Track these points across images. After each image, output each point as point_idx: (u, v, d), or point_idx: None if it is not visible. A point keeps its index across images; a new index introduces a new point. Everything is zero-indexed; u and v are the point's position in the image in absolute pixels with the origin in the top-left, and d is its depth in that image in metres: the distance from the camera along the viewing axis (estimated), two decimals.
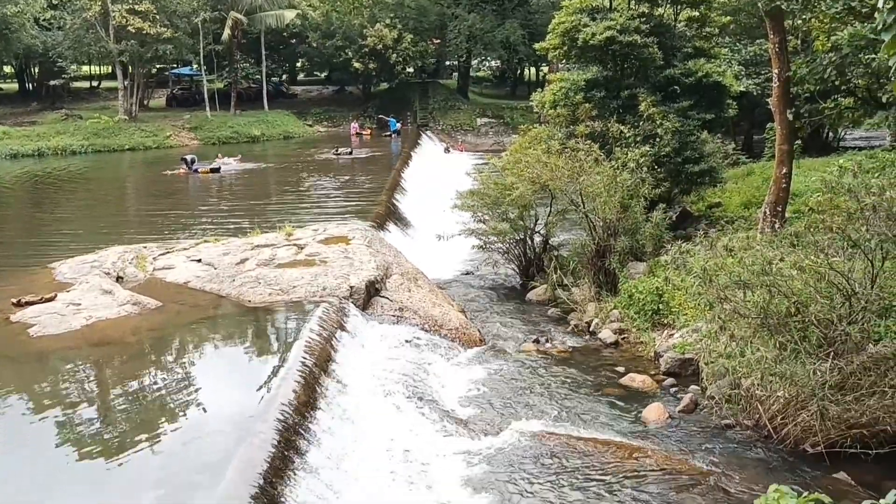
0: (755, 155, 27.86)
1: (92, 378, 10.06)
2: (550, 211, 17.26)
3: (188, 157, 31.71)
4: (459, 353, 12.75)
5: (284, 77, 61.77)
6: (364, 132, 46.19)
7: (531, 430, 9.86)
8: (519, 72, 64.25)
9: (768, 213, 14.78)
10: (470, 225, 17.91)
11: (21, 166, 36.14)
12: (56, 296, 12.26)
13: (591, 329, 14.03)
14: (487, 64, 64.41)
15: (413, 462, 8.88)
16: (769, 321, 9.48)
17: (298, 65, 64.96)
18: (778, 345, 9.38)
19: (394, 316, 12.97)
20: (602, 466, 9.08)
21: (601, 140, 17.45)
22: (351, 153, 35.34)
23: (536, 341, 13.50)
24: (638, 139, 17.28)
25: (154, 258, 14.90)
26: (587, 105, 18.04)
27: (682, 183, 18.06)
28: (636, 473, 8.92)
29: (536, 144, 17.31)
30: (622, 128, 17.39)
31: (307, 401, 8.75)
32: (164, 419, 8.51)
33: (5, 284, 13.56)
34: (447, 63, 63.08)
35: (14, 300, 12.00)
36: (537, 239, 17.58)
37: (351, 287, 12.76)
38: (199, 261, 14.46)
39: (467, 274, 18.52)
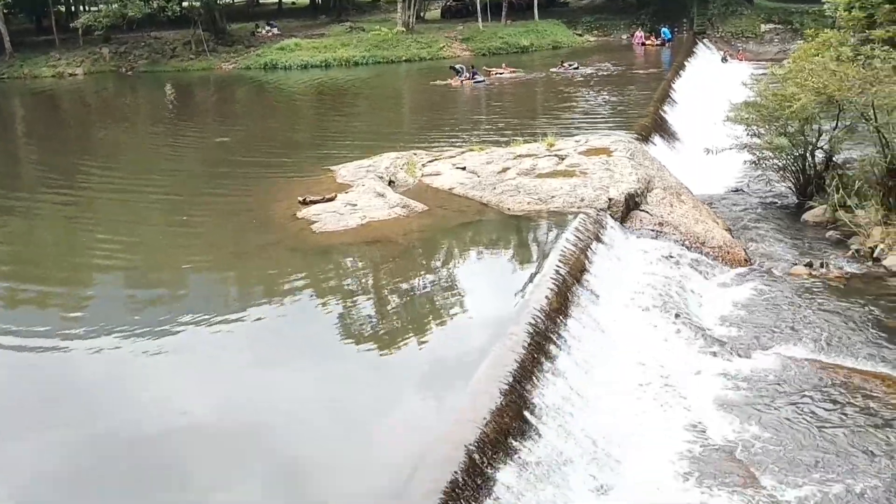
0: None
1: (366, 273, 10.94)
2: (836, 125, 15.75)
3: (457, 66, 32.49)
4: (721, 272, 12.23)
5: None
6: (648, 42, 43.70)
7: (795, 357, 9.35)
8: None
9: None
10: (743, 139, 16.84)
11: (310, 76, 39.10)
12: (336, 196, 13.29)
13: (874, 255, 12.78)
14: None
15: (664, 377, 8.76)
16: None
17: None
18: None
19: (653, 230, 12.66)
20: (872, 401, 8.42)
21: None
22: (577, 68, 33.85)
23: (809, 265, 12.56)
24: None
25: (423, 164, 15.61)
26: (888, 6, 16.04)
27: None
28: None
29: (824, 51, 15.74)
30: None
31: (559, 308, 8.88)
32: (428, 316, 9.14)
33: (293, 184, 14.90)
34: None
35: (300, 198, 13.18)
36: (819, 155, 16.15)
37: (609, 199, 12.59)
38: (464, 168, 14.94)
39: (736, 191, 17.52)
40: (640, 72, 33.36)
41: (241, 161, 18.98)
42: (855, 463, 7.41)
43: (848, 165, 16.15)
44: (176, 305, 9.76)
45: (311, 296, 9.97)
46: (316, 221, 12.18)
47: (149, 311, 9.71)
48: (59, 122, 31.02)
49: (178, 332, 8.73)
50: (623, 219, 12.61)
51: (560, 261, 9.96)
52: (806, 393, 8.65)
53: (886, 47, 14.78)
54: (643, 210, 13.03)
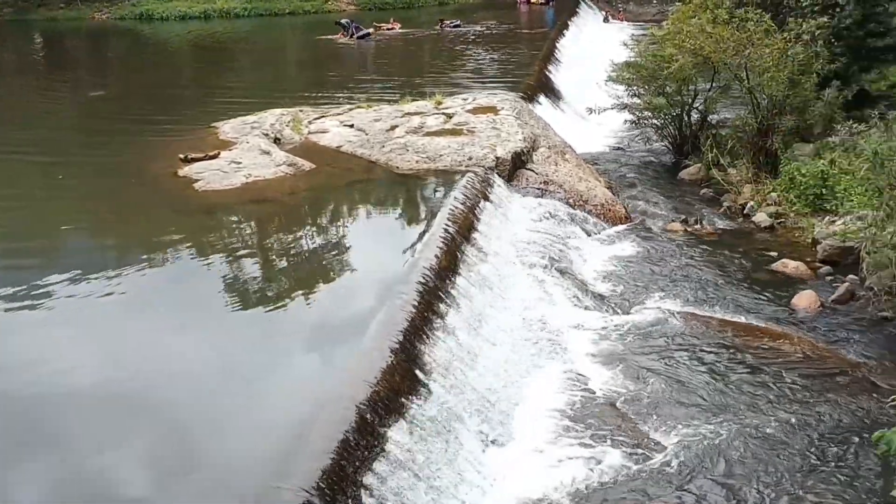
0: None
1: (252, 233, 10.72)
2: (711, 86, 16.36)
3: (344, 21, 31.86)
4: (603, 229, 12.60)
5: None
6: (533, 0, 43.56)
7: (670, 310, 9.77)
8: None
9: None
10: (624, 99, 17.28)
11: (189, 28, 37.66)
12: (219, 153, 12.90)
13: (745, 212, 13.45)
14: None
15: (548, 332, 9.01)
16: None
17: None
18: None
19: (538, 189, 12.89)
20: (742, 350, 8.92)
21: (774, 10, 16.15)
22: (459, 26, 33.86)
23: (685, 221, 13.11)
24: (816, 9, 15.89)
25: (309, 122, 15.33)
26: None
27: (863, 59, 16.49)
28: (779, 359, 8.72)
29: (701, 13, 16.24)
30: None
31: (448, 266, 8.96)
32: (317, 276, 9.06)
33: (174, 141, 14.35)
34: None
35: (181, 156, 12.72)
36: (695, 115, 16.77)
37: (497, 158, 12.73)
38: (352, 126, 14.78)
39: (618, 149, 18.02)
40: (525, 31, 33.68)
41: (117, 117, 18.18)
42: (729, 407, 7.85)
43: (722, 125, 16.85)
44: (52, 269, 9.19)
45: (195, 257, 9.68)
46: (198, 180, 11.80)
47: (23, 274, 9.13)
48: None
49: (56, 295, 8.31)
50: (510, 177, 12.79)
51: (449, 219, 10.02)
52: (682, 344, 9.07)
53: (759, 10, 15.36)
54: (529, 169, 13.23)
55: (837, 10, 15.73)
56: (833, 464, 6.95)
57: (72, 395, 6.50)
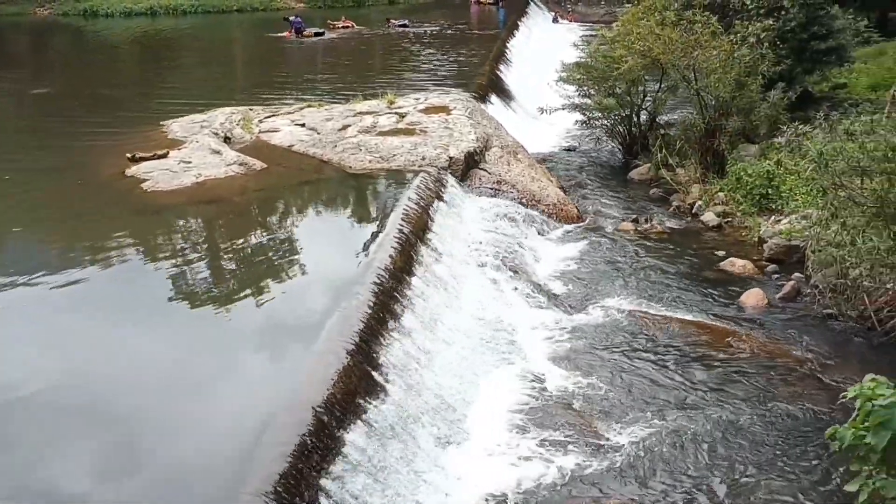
0: (889, 33, 25.69)
1: (202, 234, 10.57)
2: (660, 87, 16.58)
3: (292, 18, 31.63)
4: (556, 228, 12.70)
5: None
6: (483, 0, 43.66)
7: (623, 308, 9.88)
8: None
9: None
10: (574, 99, 17.42)
11: (135, 24, 36.96)
12: (168, 153, 12.69)
13: (693, 211, 13.67)
14: None
15: (504, 331, 9.04)
16: (886, 210, 8.99)
17: None
18: (893, 235, 8.93)
19: (491, 188, 12.94)
20: (693, 347, 9.06)
21: (720, 12, 16.44)
22: (407, 25, 34.00)
23: (635, 220, 13.26)
24: (761, 12, 16.24)
25: (260, 120, 15.18)
26: None
27: (806, 61, 16.95)
28: (729, 356, 8.88)
29: (650, 15, 16.46)
30: None
31: (403, 266, 8.93)
32: (267, 276, 8.92)
33: (121, 140, 14.08)
34: None
35: (129, 155, 12.47)
36: (644, 116, 16.99)
37: (450, 157, 12.75)
38: (303, 125, 14.66)
39: (569, 150, 18.16)
40: (476, 31, 33.76)
41: (62, 115, 17.83)
42: (681, 404, 7.96)
43: (670, 126, 17.09)
44: None
45: (144, 259, 9.49)
46: (147, 180, 11.60)
47: None
48: None
49: None
50: (463, 177, 12.82)
51: (403, 219, 9.99)
52: (635, 342, 9.17)
53: (706, 13, 15.62)
54: (482, 168, 13.28)
55: (782, 13, 16.09)
56: (785, 459, 7.09)
57: (16, 398, 6.29)
